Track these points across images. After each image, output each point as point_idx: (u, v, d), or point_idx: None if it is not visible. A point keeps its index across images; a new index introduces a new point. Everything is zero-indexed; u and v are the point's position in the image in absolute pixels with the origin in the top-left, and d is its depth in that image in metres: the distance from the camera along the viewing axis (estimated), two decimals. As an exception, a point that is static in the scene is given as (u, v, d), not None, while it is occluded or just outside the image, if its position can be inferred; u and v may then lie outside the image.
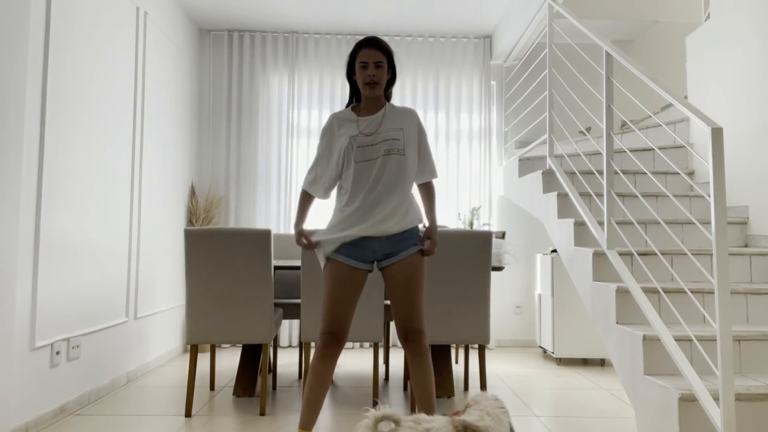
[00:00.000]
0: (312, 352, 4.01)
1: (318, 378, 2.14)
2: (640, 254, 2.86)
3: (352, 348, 5.05)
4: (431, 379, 2.23)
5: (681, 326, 2.50)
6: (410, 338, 2.21)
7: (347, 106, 2.37)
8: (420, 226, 2.32)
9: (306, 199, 2.36)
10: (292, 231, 5.07)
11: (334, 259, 2.20)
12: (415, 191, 2.36)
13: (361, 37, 5.21)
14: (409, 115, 2.31)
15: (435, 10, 4.75)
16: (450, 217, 5.15)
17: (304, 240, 2.29)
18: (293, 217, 5.10)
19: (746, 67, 3.31)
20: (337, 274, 2.18)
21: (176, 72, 4.57)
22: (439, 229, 3.23)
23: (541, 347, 4.72)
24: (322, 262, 2.27)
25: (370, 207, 2.18)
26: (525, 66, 5.20)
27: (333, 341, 2.15)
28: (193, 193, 4.90)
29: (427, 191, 2.38)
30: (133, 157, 3.73)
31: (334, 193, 2.37)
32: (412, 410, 3.02)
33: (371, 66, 2.21)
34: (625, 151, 3.95)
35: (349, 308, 2.17)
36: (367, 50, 2.22)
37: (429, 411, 2.21)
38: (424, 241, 2.28)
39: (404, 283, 2.20)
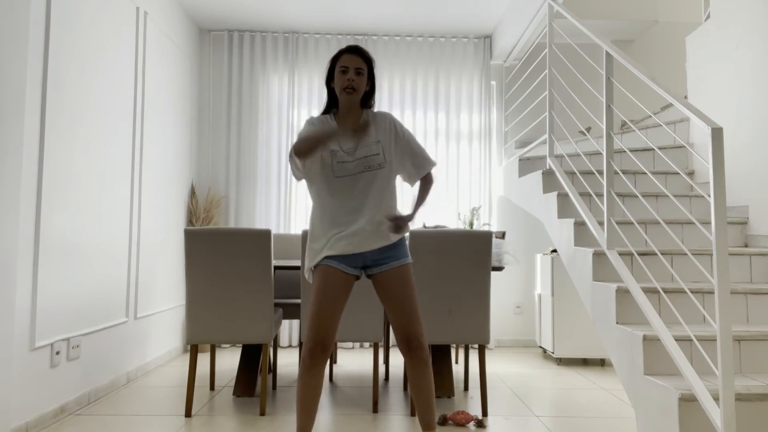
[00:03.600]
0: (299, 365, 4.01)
1: (307, 388, 2.09)
2: (640, 254, 2.86)
3: (352, 348, 5.05)
4: (432, 389, 2.19)
5: (681, 326, 2.50)
6: (413, 346, 2.15)
7: (323, 113, 2.31)
8: (406, 235, 2.28)
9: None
10: (292, 231, 5.06)
11: (324, 264, 2.16)
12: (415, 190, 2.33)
13: (362, 38, 5.25)
14: (384, 121, 2.25)
15: (435, 10, 4.75)
16: (450, 217, 5.15)
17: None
18: (293, 218, 5.10)
19: (746, 67, 3.31)
20: (326, 277, 2.13)
21: (176, 72, 4.57)
22: (438, 228, 3.22)
23: (541, 347, 4.72)
24: (308, 273, 2.23)
25: (355, 226, 2.15)
26: (525, 66, 5.20)
27: (319, 350, 2.08)
28: (193, 193, 4.90)
29: (425, 182, 2.32)
30: (133, 156, 3.73)
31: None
32: (412, 412, 3.02)
33: (351, 71, 2.17)
34: (625, 151, 3.95)
35: (336, 313, 2.12)
36: (349, 56, 2.19)
37: (429, 415, 2.19)
38: (392, 219, 2.15)
39: (398, 285, 2.17)
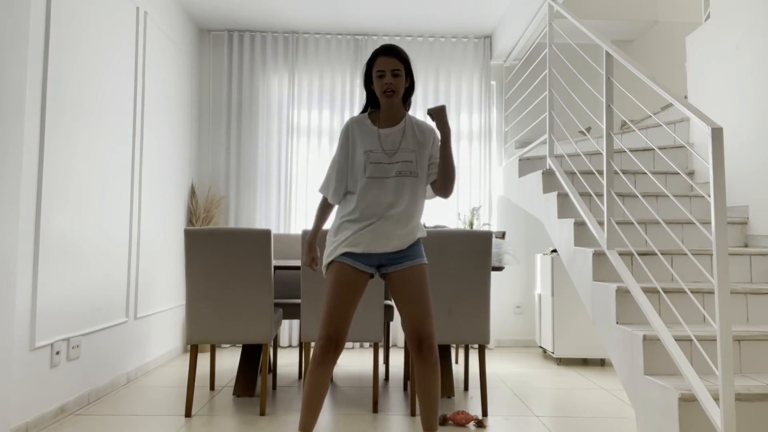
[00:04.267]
0: (310, 359, 4.00)
1: (316, 384, 2.11)
2: (640, 254, 2.86)
3: (352, 348, 5.05)
4: (438, 391, 2.20)
5: (681, 326, 2.50)
6: (424, 347, 2.15)
7: (362, 112, 2.32)
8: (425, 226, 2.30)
9: (326, 206, 2.34)
10: (292, 231, 5.06)
11: (339, 261, 2.18)
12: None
13: (362, 38, 5.24)
14: (429, 135, 2.26)
15: (435, 10, 4.75)
16: (450, 217, 5.15)
17: (314, 264, 2.37)
18: (293, 217, 5.10)
19: (746, 67, 3.31)
20: (341, 275, 2.15)
21: (176, 72, 4.57)
22: (438, 229, 3.22)
23: (541, 347, 4.72)
24: (323, 269, 2.25)
25: (376, 226, 2.17)
26: (525, 66, 5.20)
27: (332, 346, 2.10)
28: (193, 193, 4.90)
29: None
30: (133, 156, 3.73)
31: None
32: (412, 411, 3.02)
33: (388, 74, 2.16)
34: (625, 151, 3.95)
35: (349, 311, 2.14)
36: (384, 58, 2.18)
37: (432, 416, 2.20)
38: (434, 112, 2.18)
39: (413, 284, 2.18)
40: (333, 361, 2.12)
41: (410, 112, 5.18)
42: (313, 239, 2.37)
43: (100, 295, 3.29)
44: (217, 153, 5.14)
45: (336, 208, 2.34)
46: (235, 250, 2.96)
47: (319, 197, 2.47)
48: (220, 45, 5.22)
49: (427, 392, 2.18)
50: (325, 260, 2.23)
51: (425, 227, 3.74)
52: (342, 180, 2.26)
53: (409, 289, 2.18)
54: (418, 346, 2.16)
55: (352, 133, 2.25)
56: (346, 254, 2.18)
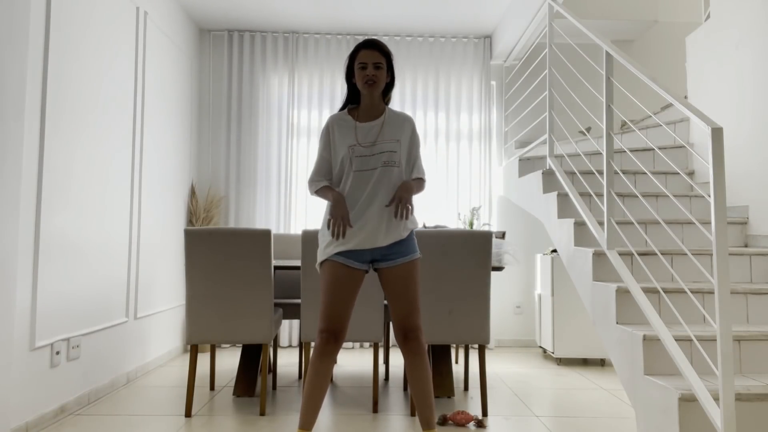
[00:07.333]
0: (312, 351, 4.00)
1: (317, 376, 2.14)
2: (640, 254, 2.86)
3: (352, 348, 5.05)
4: (430, 380, 2.23)
5: (681, 326, 2.50)
6: (410, 336, 2.20)
7: (342, 108, 2.36)
8: (420, 225, 2.32)
9: (324, 189, 2.30)
10: (292, 231, 5.06)
11: (332, 260, 2.21)
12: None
13: (362, 38, 5.24)
14: (407, 123, 2.32)
15: (435, 10, 4.75)
16: (450, 217, 5.15)
17: (349, 225, 2.18)
18: (293, 217, 5.10)
19: (746, 67, 3.31)
20: (334, 273, 2.19)
21: (176, 72, 4.57)
22: (438, 228, 3.22)
23: (541, 347, 4.72)
24: (317, 267, 2.28)
25: (366, 219, 2.20)
26: (525, 66, 5.20)
27: (331, 339, 2.15)
28: (193, 193, 4.90)
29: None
30: (133, 156, 3.73)
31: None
32: (412, 412, 3.02)
33: (370, 66, 2.22)
34: (625, 151, 3.95)
35: (346, 307, 2.18)
36: (367, 51, 2.23)
37: (428, 411, 2.21)
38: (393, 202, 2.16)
39: (401, 281, 2.21)
40: (334, 352, 2.17)
41: (409, 113, 5.21)
42: (341, 200, 2.20)
43: (100, 295, 3.29)
44: (217, 153, 5.14)
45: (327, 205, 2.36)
46: (235, 250, 2.96)
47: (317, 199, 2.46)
48: (220, 45, 5.22)
49: (417, 384, 2.21)
50: (319, 259, 2.27)
51: (425, 227, 3.76)
52: (330, 172, 2.30)
53: (398, 285, 2.22)
54: (403, 337, 2.22)
55: (332, 131, 2.29)
56: (338, 253, 2.20)
